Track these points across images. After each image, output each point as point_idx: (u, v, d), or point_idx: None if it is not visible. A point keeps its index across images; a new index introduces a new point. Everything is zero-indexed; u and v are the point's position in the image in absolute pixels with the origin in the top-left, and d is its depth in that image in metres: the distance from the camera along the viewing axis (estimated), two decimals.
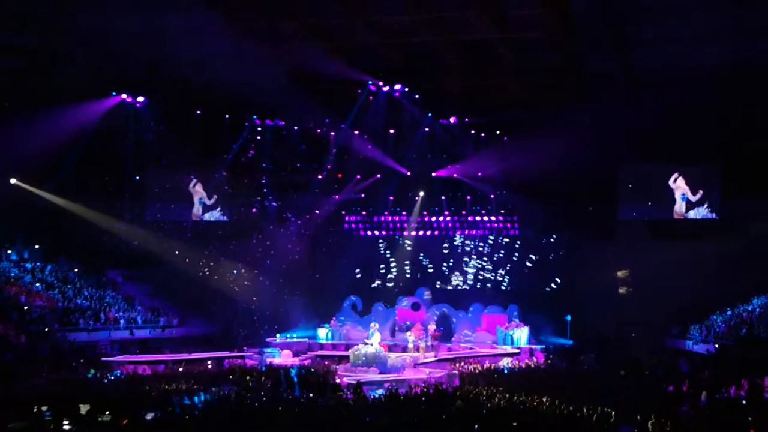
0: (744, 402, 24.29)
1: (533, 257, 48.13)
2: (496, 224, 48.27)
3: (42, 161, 44.13)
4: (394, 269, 50.23)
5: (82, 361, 35.41)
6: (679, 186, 44.52)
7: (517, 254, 48.55)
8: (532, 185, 44.89)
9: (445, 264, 50.08)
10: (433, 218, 49.00)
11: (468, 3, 35.86)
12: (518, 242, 48.51)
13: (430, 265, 50.12)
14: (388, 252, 50.49)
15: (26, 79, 41.71)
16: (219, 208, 49.21)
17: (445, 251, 49.98)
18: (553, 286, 46.79)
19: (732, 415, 22.28)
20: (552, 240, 47.74)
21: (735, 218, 43.04)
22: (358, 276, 49.85)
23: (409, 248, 50.00)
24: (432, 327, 43.67)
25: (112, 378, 31.55)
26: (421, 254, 50.08)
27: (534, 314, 45.17)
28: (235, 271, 48.23)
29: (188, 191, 48.95)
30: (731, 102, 39.90)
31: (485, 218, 48.24)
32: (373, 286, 49.99)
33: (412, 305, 46.08)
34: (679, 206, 44.58)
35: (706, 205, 44.35)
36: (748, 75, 38.98)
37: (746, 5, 36.07)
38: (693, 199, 44.31)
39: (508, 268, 48.80)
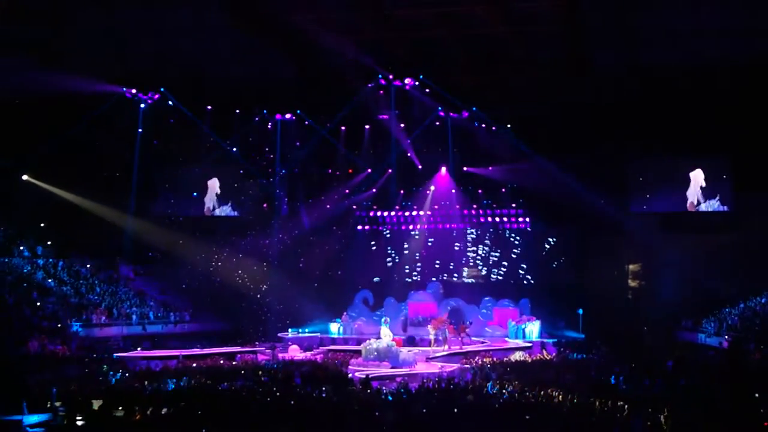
0: (756, 395, 24.19)
1: (544, 250, 48.12)
2: (507, 218, 48.29)
3: (53, 157, 44.30)
4: (406, 264, 50.28)
5: (94, 356, 35.58)
6: (697, 177, 44.57)
7: (528, 248, 48.52)
8: (542, 178, 44.85)
9: (456, 258, 50.12)
10: (444, 211, 49.04)
11: None
12: (529, 235, 48.48)
13: (442, 259, 50.16)
14: (399, 246, 50.51)
15: (35, 74, 41.80)
16: (230, 204, 49.35)
17: (457, 245, 50.04)
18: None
19: (747, 411, 22.21)
20: (563, 233, 47.64)
21: (747, 211, 42.95)
22: (369, 271, 49.84)
23: (420, 242, 49.99)
24: (444, 318, 43.57)
25: (126, 374, 31.64)
26: (433, 248, 50.10)
27: (545, 308, 45.11)
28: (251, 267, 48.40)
29: (202, 185, 49.10)
30: (742, 95, 39.83)
31: (496, 212, 48.27)
32: (376, 280, 50.04)
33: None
34: (692, 196, 44.62)
35: (717, 198, 44.27)
36: (759, 68, 38.93)
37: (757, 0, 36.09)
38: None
39: (519, 261, 48.81)
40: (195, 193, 49.16)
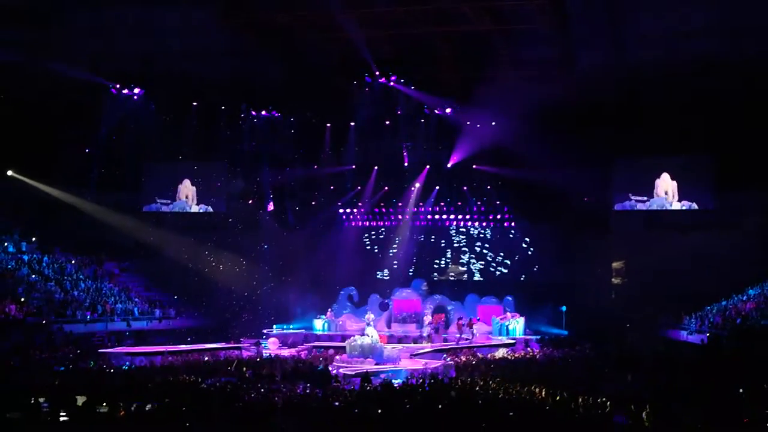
0: (741, 390, 24.36)
1: (528, 248, 48.30)
2: (491, 215, 48.44)
3: (38, 153, 44.20)
4: (391, 260, 50.36)
5: (78, 352, 35.56)
6: (665, 182, 44.82)
7: (512, 245, 48.69)
8: (527, 176, 45.02)
9: (441, 255, 50.28)
10: (429, 209, 49.16)
11: None
12: (513, 233, 48.65)
13: (426, 256, 50.30)
14: (384, 243, 50.60)
15: (22, 71, 41.67)
16: (213, 200, 49.31)
17: (441, 242, 50.19)
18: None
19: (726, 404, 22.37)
20: (547, 230, 47.77)
21: (729, 209, 43.22)
22: (354, 267, 49.87)
23: (405, 239, 50.06)
24: (442, 316, 43.98)
25: (110, 370, 31.64)
26: (417, 245, 50.21)
27: (529, 305, 45.35)
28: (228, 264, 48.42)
29: (192, 181, 49.06)
30: (725, 94, 40.01)
31: (481, 209, 48.41)
32: (373, 276, 50.10)
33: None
34: (660, 204, 45.00)
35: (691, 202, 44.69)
36: (742, 68, 39.16)
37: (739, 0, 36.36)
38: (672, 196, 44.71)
39: (503, 258, 48.99)
40: (175, 189, 49.12)
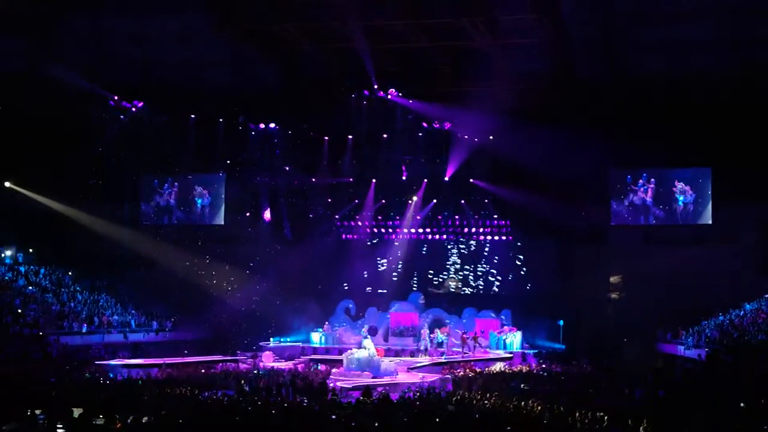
0: (742, 405, 24.35)
1: (525, 262, 48.24)
2: (489, 228, 48.40)
3: (36, 164, 44.19)
4: (388, 273, 50.27)
5: (75, 364, 35.49)
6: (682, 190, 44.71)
7: (509, 259, 48.64)
8: (524, 190, 44.99)
9: (438, 268, 50.19)
10: (427, 222, 49.11)
11: (461, 9, 36.07)
12: (511, 246, 48.58)
13: (424, 270, 50.24)
14: (381, 256, 50.54)
15: (21, 82, 41.68)
16: (213, 212, 49.25)
17: (439, 256, 50.09)
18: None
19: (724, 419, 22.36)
20: (545, 244, 47.71)
21: (727, 224, 43.21)
22: (352, 281, 49.81)
23: (403, 252, 50.00)
24: (447, 329, 43.92)
25: (107, 382, 31.57)
26: (415, 258, 50.13)
27: (526, 319, 45.26)
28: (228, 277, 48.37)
29: (189, 194, 48.95)
30: (723, 109, 40.06)
31: (478, 222, 48.37)
32: (370, 289, 50.04)
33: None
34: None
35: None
36: (741, 81, 39.26)
37: (739, 13, 36.42)
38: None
39: (500, 272, 48.93)
40: (178, 202, 49.06)
